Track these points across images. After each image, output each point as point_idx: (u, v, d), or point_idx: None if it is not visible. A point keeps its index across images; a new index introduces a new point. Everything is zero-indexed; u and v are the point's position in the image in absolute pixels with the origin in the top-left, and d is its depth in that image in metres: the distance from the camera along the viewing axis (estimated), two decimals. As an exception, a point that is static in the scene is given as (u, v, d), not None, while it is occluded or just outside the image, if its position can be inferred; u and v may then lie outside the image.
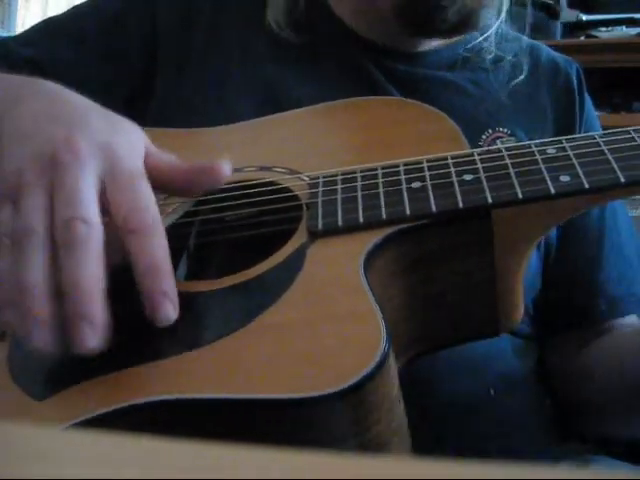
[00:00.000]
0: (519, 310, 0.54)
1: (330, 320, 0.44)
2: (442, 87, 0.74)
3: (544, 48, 0.82)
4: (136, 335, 0.47)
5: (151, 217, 0.45)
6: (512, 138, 0.72)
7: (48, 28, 0.78)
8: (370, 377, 0.40)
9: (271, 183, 0.57)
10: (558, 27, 2.19)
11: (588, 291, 0.75)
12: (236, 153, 0.61)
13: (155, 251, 0.44)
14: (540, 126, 0.75)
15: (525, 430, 0.70)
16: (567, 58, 0.82)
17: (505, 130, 0.73)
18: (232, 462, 0.19)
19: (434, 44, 0.76)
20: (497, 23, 0.77)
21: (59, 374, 0.45)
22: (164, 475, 0.18)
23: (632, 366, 0.65)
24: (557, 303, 0.75)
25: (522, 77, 0.76)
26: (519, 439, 0.69)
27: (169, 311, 0.44)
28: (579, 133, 0.76)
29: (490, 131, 0.72)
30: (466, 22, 0.70)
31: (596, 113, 0.82)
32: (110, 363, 0.45)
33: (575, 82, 0.79)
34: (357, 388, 0.39)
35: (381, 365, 0.40)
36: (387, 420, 0.43)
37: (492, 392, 0.67)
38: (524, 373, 0.72)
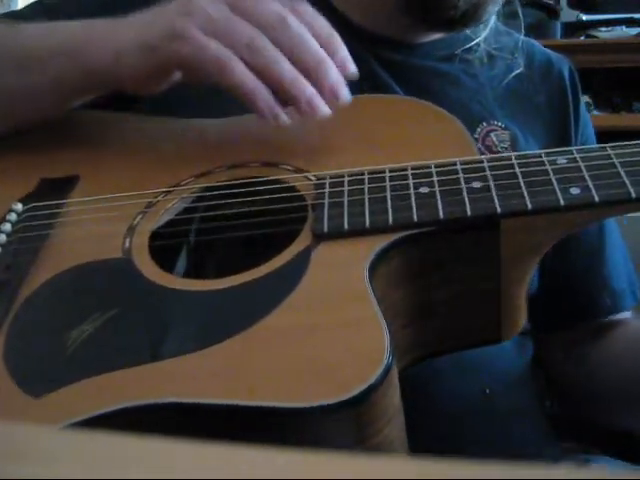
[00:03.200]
0: (522, 318, 0.54)
1: (333, 327, 0.44)
2: (438, 78, 0.74)
3: (537, 45, 0.82)
4: (136, 335, 0.47)
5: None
6: (506, 132, 0.72)
7: (43, 7, 0.77)
8: (372, 389, 0.40)
9: (276, 181, 0.56)
10: (558, 27, 2.19)
11: (593, 285, 0.75)
12: (239, 147, 0.60)
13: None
14: (533, 121, 0.75)
15: (522, 429, 0.70)
16: (559, 55, 0.82)
17: (499, 124, 0.73)
18: (231, 462, 0.19)
19: (431, 37, 0.75)
20: (492, 18, 0.77)
21: (57, 371, 0.45)
22: (163, 475, 0.18)
23: None
24: (560, 297, 0.75)
25: (517, 72, 0.76)
26: (516, 438, 0.69)
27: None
28: (573, 130, 0.76)
29: (484, 124, 0.72)
30: (473, 13, 0.69)
31: (596, 113, 0.82)
32: (108, 362, 0.44)
33: (568, 79, 0.79)
34: (359, 400, 0.39)
35: (384, 377, 0.40)
36: (387, 430, 0.42)
37: (487, 391, 0.67)
38: (520, 370, 0.72)
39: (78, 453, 0.18)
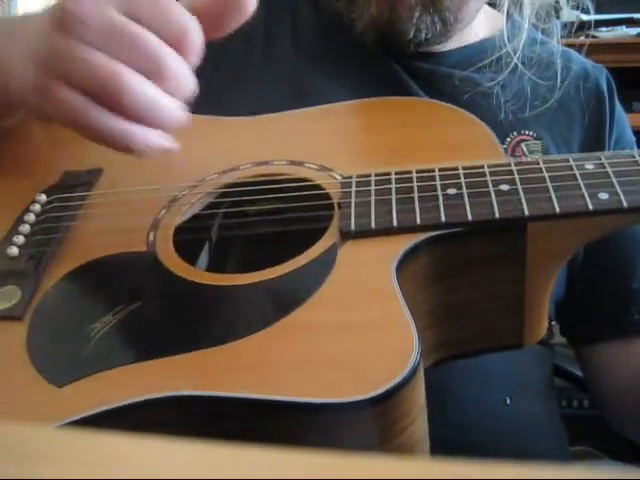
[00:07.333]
0: (544, 324, 0.54)
1: (361, 325, 0.44)
2: (466, 87, 0.72)
3: (574, 54, 0.81)
4: (160, 328, 0.47)
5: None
6: (538, 142, 0.71)
7: None
8: (401, 386, 0.40)
9: (302, 179, 0.56)
10: (558, 27, 2.19)
11: (620, 300, 0.73)
12: (265, 145, 0.61)
13: None
14: (568, 131, 0.74)
15: (538, 436, 0.69)
16: (596, 65, 0.80)
17: (531, 133, 0.72)
18: (243, 463, 0.18)
19: (458, 43, 0.75)
20: (526, 24, 0.76)
21: (81, 361, 0.45)
22: (165, 475, 0.17)
23: None
24: (585, 311, 0.73)
25: (551, 81, 0.74)
26: (532, 444, 0.68)
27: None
28: (609, 140, 0.75)
29: (515, 134, 0.71)
30: (438, 36, 0.70)
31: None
32: (132, 354, 0.45)
33: (605, 89, 0.77)
34: (387, 396, 0.39)
35: (413, 374, 0.40)
36: (411, 430, 0.42)
37: (508, 401, 0.66)
38: (540, 380, 0.71)
39: (78, 454, 0.18)
